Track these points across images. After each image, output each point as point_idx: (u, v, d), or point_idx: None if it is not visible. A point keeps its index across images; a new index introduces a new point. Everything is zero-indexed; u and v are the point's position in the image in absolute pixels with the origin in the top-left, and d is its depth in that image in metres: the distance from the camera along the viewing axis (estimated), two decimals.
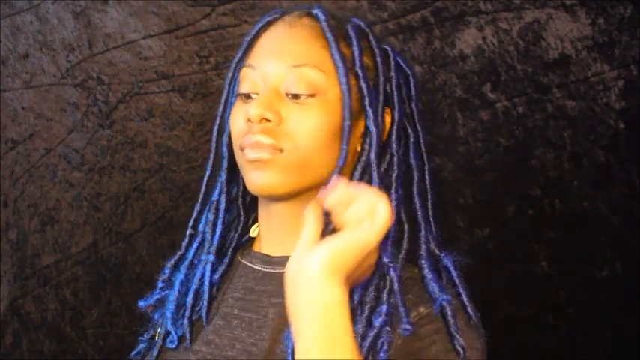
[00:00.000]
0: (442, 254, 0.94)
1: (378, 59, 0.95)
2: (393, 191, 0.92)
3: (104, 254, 1.85)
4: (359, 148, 0.94)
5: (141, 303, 1.04)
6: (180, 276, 1.00)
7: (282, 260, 0.88)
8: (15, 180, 1.87)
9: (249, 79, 0.94)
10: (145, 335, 1.04)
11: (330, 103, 0.91)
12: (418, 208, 0.95)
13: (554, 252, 1.60)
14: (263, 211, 0.98)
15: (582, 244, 1.59)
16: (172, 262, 1.03)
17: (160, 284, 1.03)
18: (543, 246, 1.60)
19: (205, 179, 1.02)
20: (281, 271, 0.87)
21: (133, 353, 1.04)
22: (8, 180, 1.87)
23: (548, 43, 1.57)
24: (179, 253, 1.03)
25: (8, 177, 1.87)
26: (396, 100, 0.96)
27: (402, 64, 0.99)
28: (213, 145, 1.02)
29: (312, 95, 0.91)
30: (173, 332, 0.97)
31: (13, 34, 1.84)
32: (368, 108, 0.92)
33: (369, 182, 0.91)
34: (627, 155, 1.55)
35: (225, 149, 1.00)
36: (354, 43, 0.93)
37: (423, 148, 0.98)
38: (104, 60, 1.80)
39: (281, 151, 0.90)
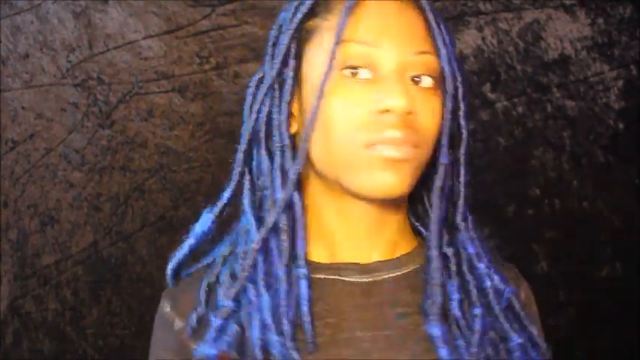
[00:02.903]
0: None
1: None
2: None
3: (104, 254, 1.85)
4: None
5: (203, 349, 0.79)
6: (255, 290, 0.79)
7: (379, 265, 0.82)
8: (15, 180, 1.87)
9: (363, 55, 0.78)
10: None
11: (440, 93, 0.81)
12: (461, 180, 0.85)
13: (554, 252, 1.60)
14: (341, 212, 0.82)
15: (582, 244, 1.59)
16: (232, 292, 0.80)
17: (219, 321, 0.79)
18: (543, 246, 1.60)
19: (235, 178, 0.85)
20: (386, 277, 0.82)
21: None
22: (8, 180, 1.87)
23: (548, 43, 1.57)
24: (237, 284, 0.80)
25: (8, 177, 1.87)
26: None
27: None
28: (279, 134, 0.82)
29: (433, 85, 0.80)
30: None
31: (13, 34, 1.84)
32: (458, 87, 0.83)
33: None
34: (627, 155, 1.56)
35: (285, 136, 0.82)
36: (440, 25, 0.82)
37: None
38: (104, 60, 1.80)
39: (417, 147, 0.78)
